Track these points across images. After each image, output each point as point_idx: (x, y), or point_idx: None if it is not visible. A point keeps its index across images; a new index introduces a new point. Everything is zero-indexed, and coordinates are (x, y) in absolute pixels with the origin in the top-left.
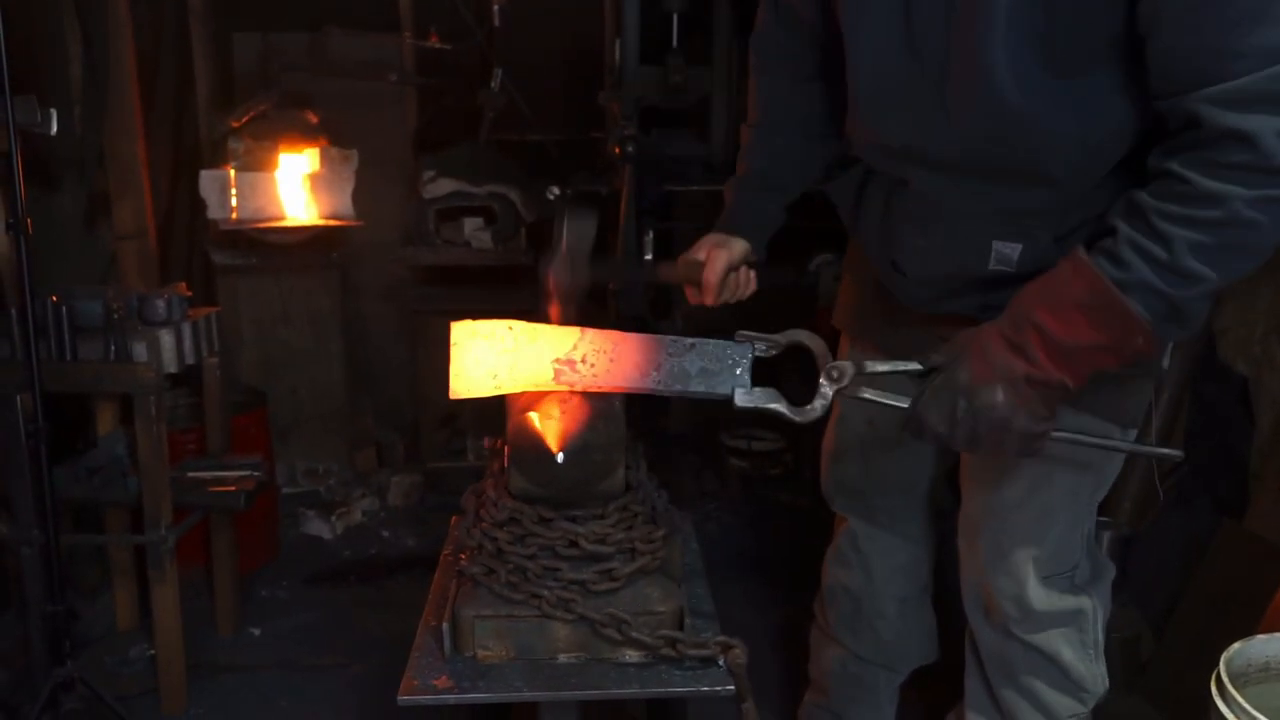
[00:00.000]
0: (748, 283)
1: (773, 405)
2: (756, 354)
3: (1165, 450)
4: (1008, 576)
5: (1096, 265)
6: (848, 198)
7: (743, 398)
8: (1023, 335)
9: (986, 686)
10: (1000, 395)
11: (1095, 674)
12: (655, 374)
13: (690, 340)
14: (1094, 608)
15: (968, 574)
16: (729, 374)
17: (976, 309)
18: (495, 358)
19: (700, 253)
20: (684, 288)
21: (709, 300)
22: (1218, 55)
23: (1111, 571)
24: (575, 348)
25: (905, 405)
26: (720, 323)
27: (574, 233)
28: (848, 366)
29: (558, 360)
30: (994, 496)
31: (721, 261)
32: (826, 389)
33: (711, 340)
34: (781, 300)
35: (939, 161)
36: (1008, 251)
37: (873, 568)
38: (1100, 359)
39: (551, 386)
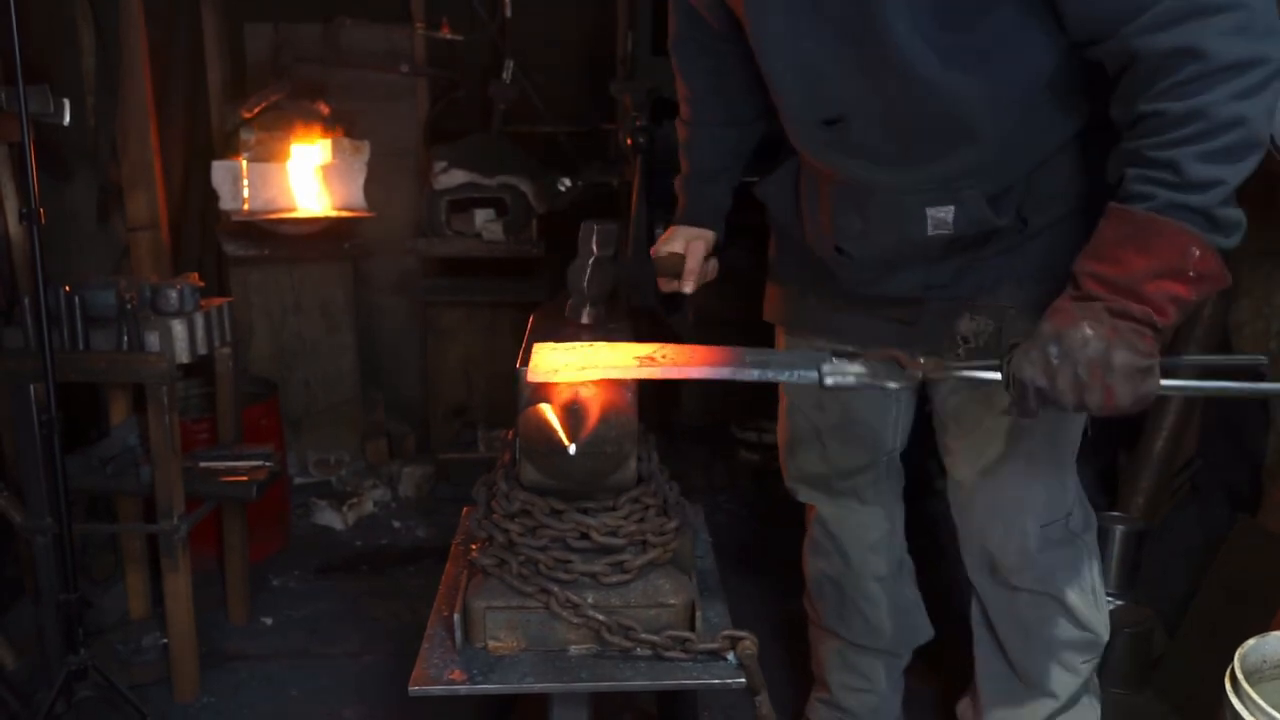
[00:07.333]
0: (714, 268)
1: (861, 383)
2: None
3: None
4: (1007, 529)
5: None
6: (782, 195)
7: (831, 378)
8: (1084, 289)
9: (1000, 652)
10: (1088, 329)
11: (1100, 619)
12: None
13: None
14: (1089, 552)
15: (967, 539)
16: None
17: (920, 288)
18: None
19: (677, 245)
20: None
21: (688, 288)
22: None
23: (1095, 522)
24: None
25: (998, 377)
26: (722, 313)
27: (603, 241)
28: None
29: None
30: (981, 458)
31: (700, 251)
32: (915, 371)
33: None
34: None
35: (862, 143)
36: (942, 215)
37: (848, 551)
38: (1168, 287)
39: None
